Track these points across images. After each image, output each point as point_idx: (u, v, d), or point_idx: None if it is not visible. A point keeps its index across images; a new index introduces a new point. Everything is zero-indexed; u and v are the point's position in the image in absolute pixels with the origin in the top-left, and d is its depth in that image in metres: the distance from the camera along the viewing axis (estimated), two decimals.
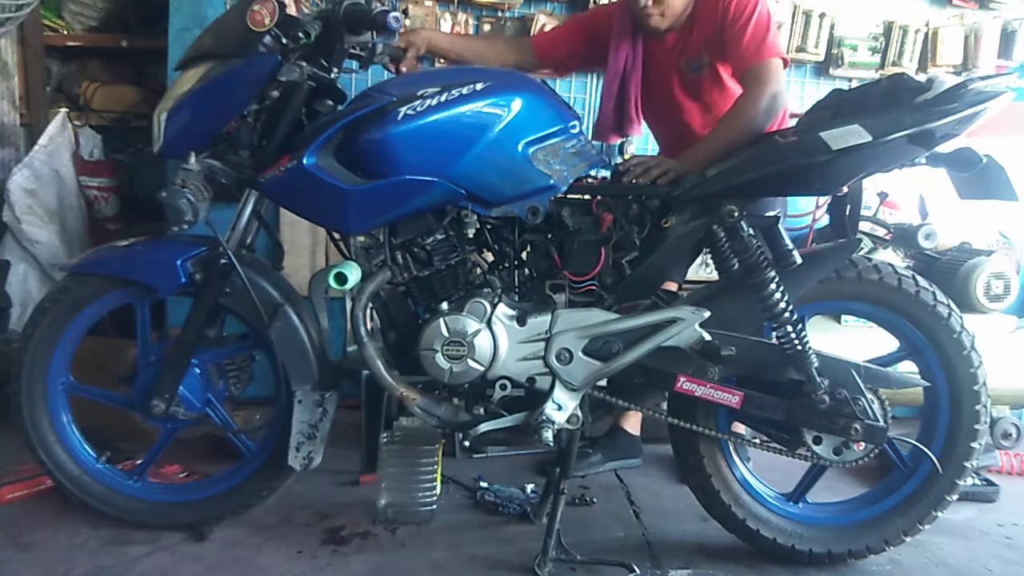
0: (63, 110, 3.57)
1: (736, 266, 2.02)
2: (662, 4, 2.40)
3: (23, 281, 3.42)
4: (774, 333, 2.01)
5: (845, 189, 2.03)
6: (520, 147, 1.96)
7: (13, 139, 3.52)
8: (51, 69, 3.66)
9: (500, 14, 3.38)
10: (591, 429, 2.37)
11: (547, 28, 3.32)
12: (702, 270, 2.61)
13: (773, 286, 1.97)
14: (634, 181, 2.10)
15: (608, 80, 2.58)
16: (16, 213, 3.35)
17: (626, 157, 2.47)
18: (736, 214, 1.96)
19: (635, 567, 2.09)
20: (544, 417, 2.00)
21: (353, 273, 1.98)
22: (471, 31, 3.37)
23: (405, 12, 3.21)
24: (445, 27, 3.34)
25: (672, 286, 2.43)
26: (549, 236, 2.08)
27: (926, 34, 3.49)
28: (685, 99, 2.59)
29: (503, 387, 2.04)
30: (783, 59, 2.32)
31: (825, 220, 2.72)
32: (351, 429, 2.70)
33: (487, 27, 3.39)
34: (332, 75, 2.03)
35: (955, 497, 2.14)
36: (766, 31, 2.32)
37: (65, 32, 3.62)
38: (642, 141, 3.20)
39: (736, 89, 2.41)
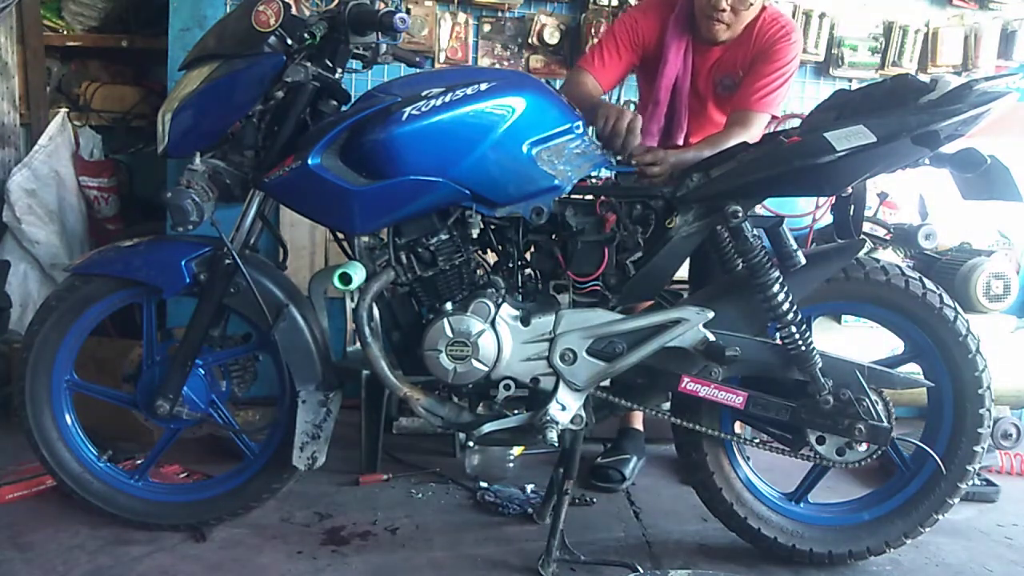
0: (63, 110, 3.58)
1: (740, 267, 2.02)
2: (737, 15, 2.44)
3: (23, 281, 3.43)
4: (778, 334, 2.01)
5: (849, 190, 2.03)
6: (524, 147, 1.96)
7: (13, 139, 3.52)
8: (51, 69, 3.67)
9: (500, 14, 3.38)
10: (594, 431, 2.36)
11: (547, 29, 3.33)
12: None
13: (777, 287, 1.97)
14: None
15: (661, 87, 2.58)
16: (16, 213, 3.36)
17: None
18: (740, 215, 1.95)
19: (638, 567, 2.09)
20: (548, 417, 1.99)
21: (357, 273, 1.97)
22: (471, 31, 3.37)
23: (408, 12, 3.20)
24: (445, 27, 3.34)
25: None
26: (553, 236, 2.08)
27: (926, 34, 3.49)
28: (716, 112, 2.64)
29: (507, 387, 2.04)
30: (774, 116, 2.47)
31: (825, 220, 2.74)
32: (351, 429, 2.70)
33: (487, 27, 3.39)
34: (337, 75, 2.03)
35: (957, 500, 2.13)
36: (780, 86, 2.45)
37: (65, 32, 3.62)
38: None
39: None
